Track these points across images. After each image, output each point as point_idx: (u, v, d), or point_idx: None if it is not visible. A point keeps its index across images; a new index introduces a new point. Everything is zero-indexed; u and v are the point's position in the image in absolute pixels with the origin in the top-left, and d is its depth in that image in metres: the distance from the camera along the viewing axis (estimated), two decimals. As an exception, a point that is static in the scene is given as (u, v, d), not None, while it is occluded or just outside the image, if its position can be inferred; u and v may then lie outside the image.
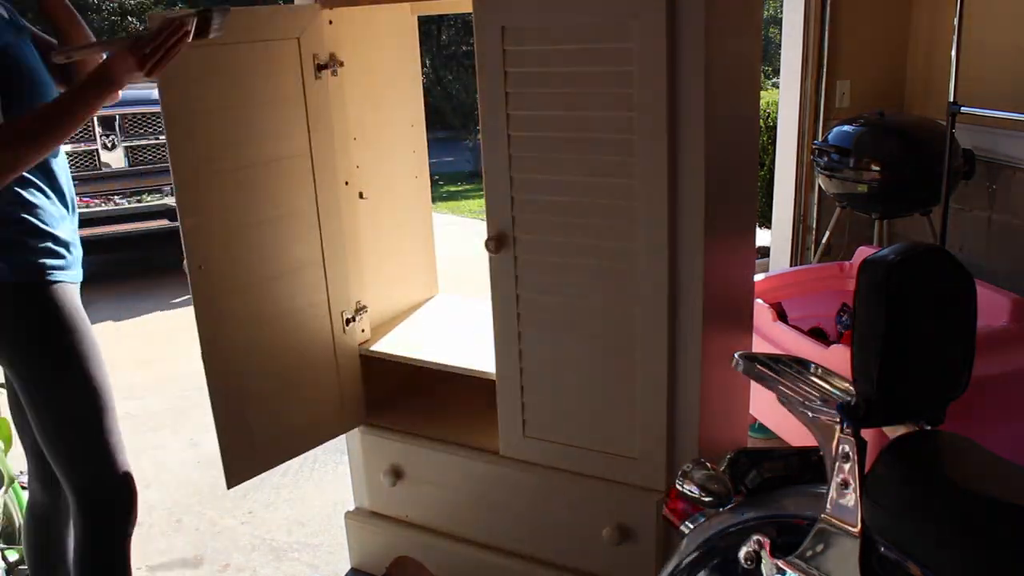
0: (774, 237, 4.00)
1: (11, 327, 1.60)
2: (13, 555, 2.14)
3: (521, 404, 1.94)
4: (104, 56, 1.63)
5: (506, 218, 1.83)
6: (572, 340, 1.84)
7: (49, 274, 1.60)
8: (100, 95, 1.50)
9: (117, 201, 5.29)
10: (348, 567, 2.39)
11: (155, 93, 1.88)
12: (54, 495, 1.82)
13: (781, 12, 4.04)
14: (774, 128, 4.14)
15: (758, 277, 2.89)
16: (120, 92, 1.56)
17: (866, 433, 1.17)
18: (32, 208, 1.59)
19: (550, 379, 1.90)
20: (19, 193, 1.57)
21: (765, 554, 1.26)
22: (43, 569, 1.88)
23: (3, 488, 2.15)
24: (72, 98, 1.50)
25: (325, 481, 2.93)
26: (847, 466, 1.17)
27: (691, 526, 1.41)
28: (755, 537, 1.27)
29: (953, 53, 2.70)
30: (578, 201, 1.75)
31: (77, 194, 1.78)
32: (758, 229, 2.19)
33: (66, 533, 1.84)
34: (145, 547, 2.63)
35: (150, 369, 4.06)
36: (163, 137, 4.29)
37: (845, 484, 1.17)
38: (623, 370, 1.80)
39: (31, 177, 1.58)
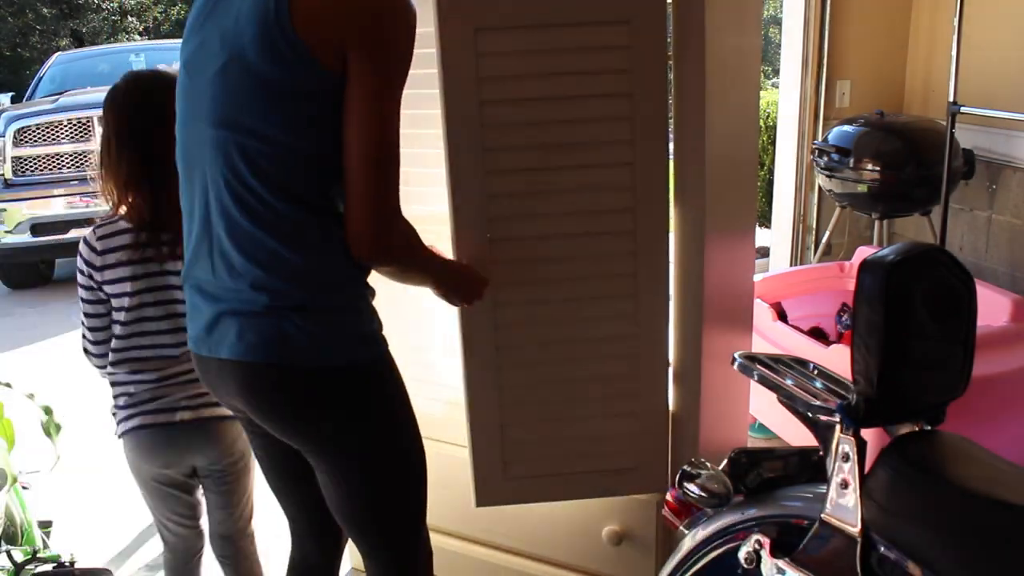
0: (774, 237, 4.00)
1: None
2: (19, 555, 2.14)
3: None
4: None
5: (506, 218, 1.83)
6: (573, 340, 1.84)
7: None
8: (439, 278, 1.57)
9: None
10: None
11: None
12: (331, 556, 1.77)
13: (781, 12, 4.04)
14: (774, 128, 4.14)
15: (758, 277, 2.89)
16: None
17: (866, 433, 1.17)
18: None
19: (545, 385, 1.89)
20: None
21: (765, 554, 1.26)
22: None
23: (4, 488, 2.15)
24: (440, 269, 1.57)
25: (325, 481, 2.92)
26: (847, 466, 1.17)
27: (691, 526, 1.41)
28: (755, 537, 1.28)
29: (953, 53, 2.70)
30: (578, 201, 1.75)
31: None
32: (758, 229, 2.19)
33: None
34: (145, 547, 2.63)
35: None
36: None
37: (845, 484, 1.17)
38: (623, 371, 1.79)
39: None
